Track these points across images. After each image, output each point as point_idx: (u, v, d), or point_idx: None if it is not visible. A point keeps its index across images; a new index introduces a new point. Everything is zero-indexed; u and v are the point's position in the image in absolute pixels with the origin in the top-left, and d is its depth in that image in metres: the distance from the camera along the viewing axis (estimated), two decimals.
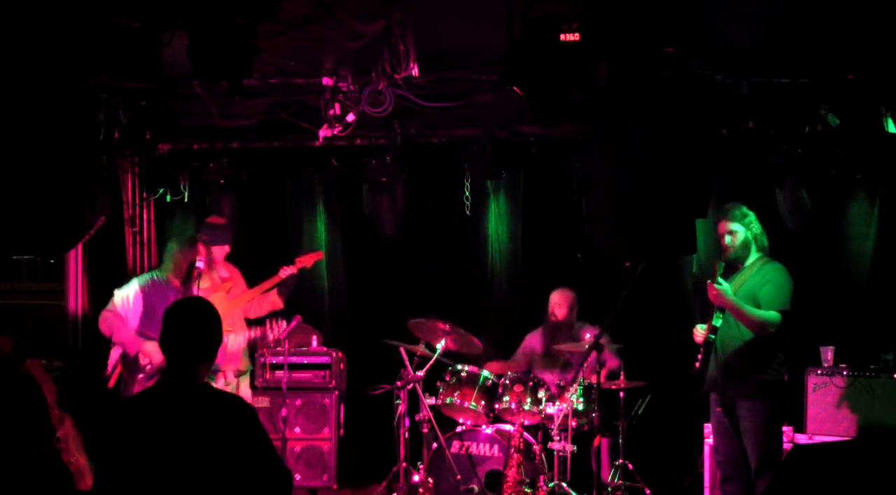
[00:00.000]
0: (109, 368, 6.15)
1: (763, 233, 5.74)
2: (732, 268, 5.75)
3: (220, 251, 6.77)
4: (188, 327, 3.37)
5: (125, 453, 3.22)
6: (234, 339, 6.38)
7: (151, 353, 5.95)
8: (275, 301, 6.87)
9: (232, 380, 6.64)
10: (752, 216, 5.71)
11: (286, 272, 6.68)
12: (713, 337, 5.67)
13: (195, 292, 6.22)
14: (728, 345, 5.64)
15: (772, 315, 5.52)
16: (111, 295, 6.21)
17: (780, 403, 5.70)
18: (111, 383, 6.10)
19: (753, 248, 5.71)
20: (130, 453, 3.22)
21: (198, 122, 7.16)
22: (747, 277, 5.66)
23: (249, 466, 3.25)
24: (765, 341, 5.55)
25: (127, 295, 6.13)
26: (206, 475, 3.20)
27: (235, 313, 6.51)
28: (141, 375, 5.99)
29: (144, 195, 7.72)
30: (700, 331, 5.74)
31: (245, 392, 6.77)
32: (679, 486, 6.93)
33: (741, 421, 5.61)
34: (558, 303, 7.05)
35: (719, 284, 5.53)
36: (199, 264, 6.27)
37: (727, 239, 5.70)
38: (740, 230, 5.68)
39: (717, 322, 5.66)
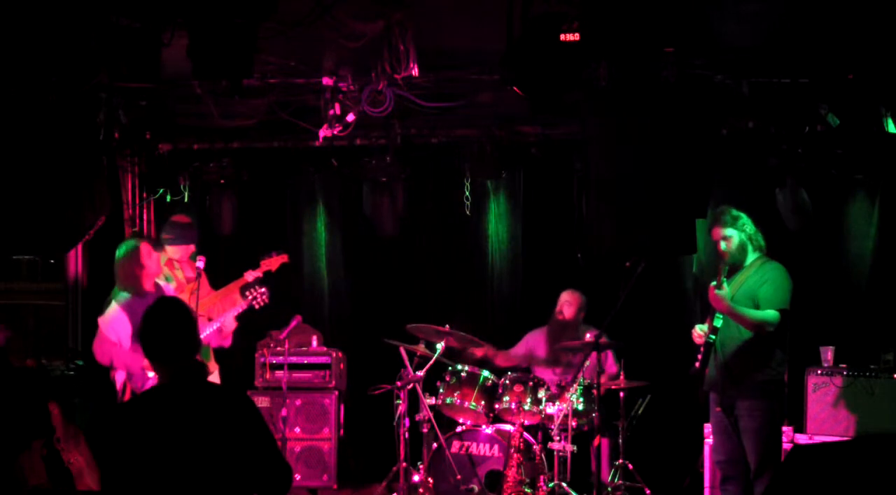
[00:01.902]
0: (119, 392, 6.08)
1: (758, 233, 5.72)
2: (733, 269, 5.75)
3: (185, 250, 6.74)
4: (176, 323, 3.42)
5: (130, 448, 3.24)
6: (228, 321, 6.33)
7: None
8: (237, 302, 6.84)
9: None
10: (743, 217, 5.69)
11: (251, 275, 6.68)
12: (713, 337, 5.67)
13: (189, 292, 6.22)
14: (728, 345, 5.63)
15: (770, 314, 5.52)
16: (98, 321, 6.08)
17: (780, 403, 5.70)
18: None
19: (750, 249, 5.69)
20: (135, 448, 3.23)
21: (198, 122, 7.15)
22: (746, 277, 5.65)
23: (250, 459, 3.28)
24: (764, 340, 5.54)
25: (111, 318, 5.94)
26: (207, 468, 3.22)
27: (199, 313, 6.44)
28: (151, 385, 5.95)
29: (144, 195, 7.72)
30: (699, 332, 5.74)
31: None
32: (679, 486, 6.93)
33: (741, 420, 5.60)
34: (568, 301, 7.08)
35: (720, 288, 5.52)
36: (199, 264, 6.26)
37: (722, 245, 5.67)
38: (734, 234, 5.66)
39: (718, 322, 5.65)
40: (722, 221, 5.66)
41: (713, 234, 5.72)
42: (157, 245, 6.44)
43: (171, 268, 6.64)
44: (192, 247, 6.78)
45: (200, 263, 6.27)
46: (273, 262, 6.83)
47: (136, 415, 3.33)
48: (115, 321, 5.90)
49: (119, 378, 6.05)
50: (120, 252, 6.04)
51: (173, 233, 6.76)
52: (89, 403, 6.80)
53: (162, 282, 6.21)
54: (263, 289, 6.42)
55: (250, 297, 6.39)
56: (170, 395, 3.34)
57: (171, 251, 6.73)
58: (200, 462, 3.22)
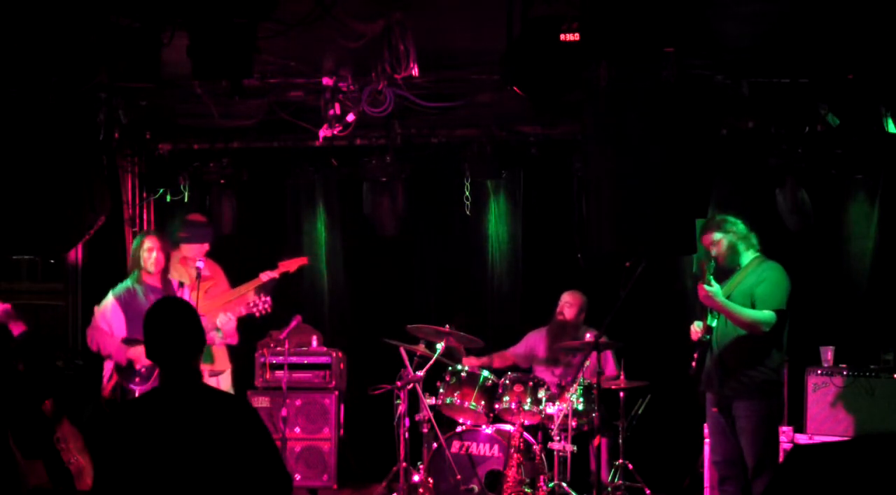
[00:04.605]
0: (105, 379, 6.16)
1: (750, 233, 5.71)
2: (731, 271, 5.73)
3: (200, 249, 6.77)
4: (176, 325, 3.37)
5: (127, 453, 3.22)
6: (224, 319, 6.31)
7: (139, 357, 5.92)
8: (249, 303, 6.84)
9: (208, 381, 6.58)
10: (730, 219, 5.69)
11: (267, 276, 6.67)
12: (708, 336, 5.67)
13: (189, 291, 6.22)
14: (723, 343, 5.63)
15: (765, 314, 5.50)
16: (94, 309, 6.27)
17: (777, 403, 5.70)
18: (106, 392, 6.12)
19: (742, 249, 5.68)
20: (132, 453, 3.21)
21: (198, 122, 7.16)
22: (744, 277, 5.64)
23: (250, 467, 3.25)
24: (759, 339, 5.53)
25: (104, 308, 6.15)
26: (206, 475, 3.19)
27: (211, 312, 6.45)
28: (137, 379, 5.99)
29: (144, 195, 7.73)
30: (696, 329, 5.74)
31: None
32: (679, 486, 6.93)
33: (738, 421, 5.60)
34: (569, 302, 7.07)
35: (710, 285, 5.51)
36: (199, 264, 6.27)
37: (713, 251, 5.68)
38: (722, 237, 5.65)
39: (713, 321, 5.65)
40: (708, 227, 5.66)
41: (703, 241, 5.69)
42: (173, 243, 6.51)
43: (184, 267, 6.65)
44: (206, 246, 6.83)
45: (200, 263, 6.28)
46: (291, 264, 6.82)
47: (132, 420, 3.29)
48: (107, 309, 6.13)
49: (107, 367, 6.13)
50: (135, 239, 6.34)
51: (188, 231, 6.81)
52: (89, 403, 6.81)
53: (176, 281, 6.25)
54: (267, 298, 6.41)
55: (252, 305, 6.40)
56: (167, 400, 3.30)
57: (186, 250, 6.78)
58: (196, 468, 3.18)
